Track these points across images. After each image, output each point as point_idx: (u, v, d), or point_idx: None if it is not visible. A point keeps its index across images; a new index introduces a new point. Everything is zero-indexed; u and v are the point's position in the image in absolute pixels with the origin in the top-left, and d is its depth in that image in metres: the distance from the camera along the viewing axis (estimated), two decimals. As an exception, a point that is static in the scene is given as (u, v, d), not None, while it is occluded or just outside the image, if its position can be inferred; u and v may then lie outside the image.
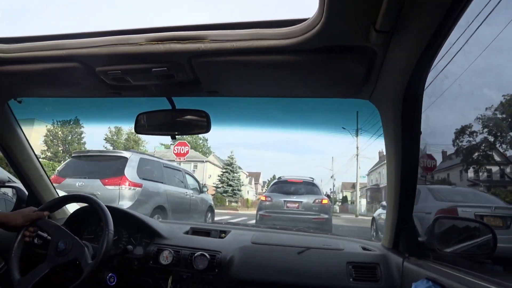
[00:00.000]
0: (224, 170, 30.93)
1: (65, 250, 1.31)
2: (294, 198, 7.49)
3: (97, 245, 1.34)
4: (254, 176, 42.76)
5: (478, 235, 1.26)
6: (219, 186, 30.16)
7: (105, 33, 1.06)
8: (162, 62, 1.07)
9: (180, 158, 11.80)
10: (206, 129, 1.33)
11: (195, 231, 1.78)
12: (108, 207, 1.45)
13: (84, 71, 1.16)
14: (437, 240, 1.27)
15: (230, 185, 29.79)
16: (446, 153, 22.43)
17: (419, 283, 1.08)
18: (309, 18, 0.88)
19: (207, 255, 1.48)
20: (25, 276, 1.28)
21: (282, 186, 7.96)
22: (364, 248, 1.61)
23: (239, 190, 30.37)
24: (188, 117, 1.37)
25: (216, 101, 1.47)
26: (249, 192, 36.97)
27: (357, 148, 22.69)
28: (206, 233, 1.77)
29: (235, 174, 30.47)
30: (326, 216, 7.26)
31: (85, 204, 1.54)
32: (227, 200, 28.49)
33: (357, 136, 21.21)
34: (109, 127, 30.26)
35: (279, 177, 8.65)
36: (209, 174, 31.20)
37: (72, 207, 1.82)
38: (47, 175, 1.84)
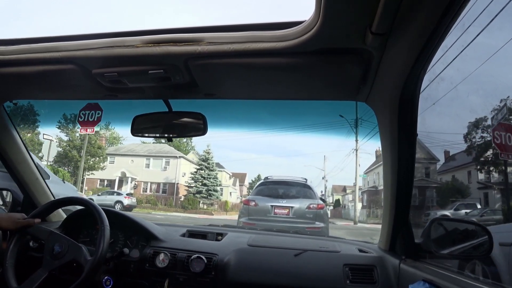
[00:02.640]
0: (198, 167, 26.73)
1: (61, 252, 1.30)
2: (283, 203, 6.14)
3: (93, 247, 1.33)
4: (239, 177, 38.55)
5: (474, 237, 1.26)
6: (192, 185, 26.07)
7: (101, 35, 1.06)
8: (158, 65, 1.07)
9: (86, 130, 8.64)
10: (203, 131, 1.33)
11: (192, 234, 1.77)
12: (104, 209, 1.44)
13: (80, 73, 1.16)
14: (433, 242, 1.28)
15: (205, 185, 25.72)
16: (449, 153, 21.20)
17: (415, 285, 1.08)
18: (305, 20, 0.89)
19: (204, 258, 1.47)
20: (23, 283, 1.25)
21: (269, 188, 6.62)
22: (360, 250, 1.61)
23: (216, 191, 26.30)
24: (185, 119, 1.37)
25: (213, 104, 1.47)
26: (231, 194, 33.01)
27: (357, 141, 18.80)
28: (203, 235, 1.76)
29: (212, 172, 26.40)
30: (322, 224, 5.94)
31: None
32: (201, 202, 25.06)
33: (356, 127, 17.80)
34: (63, 114, 24.38)
35: (266, 177, 7.19)
36: (183, 172, 27.61)
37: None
38: (43, 178, 1.82)
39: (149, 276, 1.50)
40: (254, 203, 6.22)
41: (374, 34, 0.83)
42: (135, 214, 1.78)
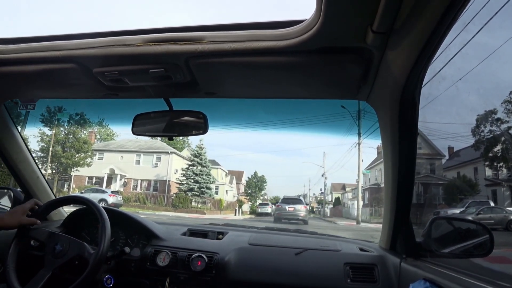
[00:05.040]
0: (190, 163, 25.14)
1: (63, 251, 1.30)
2: (291, 205, 16.25)
3: (94, 246, 1.33)
4: (236, 174, 36.96)
5: (475, 236, 1.26)
6: (183, 182, 24.52)
7: (102, 34, 1.06)
8: (159, 63, 1.07)
9: (26, 107, 7.86)
10: (204, 130, 1.33)
11: (193, 233, 1.77)
12: (105, 208, 1.45)
13: (81, 72, 1.16)
14: (434, 241, 1.27)
15: (197, 182, 24.24)
16: (453, 149, 19.76)
17: (416, 284, 1.08)
18: (306, 19, 0.88)
19: (205, 257, 1.47)
20: (26, 285, 1.25)
21: (285, 200, 17.19)
22: (361, 249, 1.61)
23: (209, 188, 24.79)
24: (186, 118, 1.37)
25: (213, 102, 1.47)
26: (228, 192, 31.12)
27: (359, 134, 17.94)
28: (204, 234, 1.76)
29: (204, 168, 24.86)
30: (306, 213, 16.42)
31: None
32: (193, 200, 23.66)
33: (359, 119, 17.47)
34: (47, 106, 22.33)
35: (284, 195, 17.85)
36: (176, 169, 25.82)
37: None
38: (43, 177, 1.83)
39: (150, 275, 1.50)
40: (280, 206, 16.62)
41: (375, 33, 0.82)
42: (136, 214, 1.78)
